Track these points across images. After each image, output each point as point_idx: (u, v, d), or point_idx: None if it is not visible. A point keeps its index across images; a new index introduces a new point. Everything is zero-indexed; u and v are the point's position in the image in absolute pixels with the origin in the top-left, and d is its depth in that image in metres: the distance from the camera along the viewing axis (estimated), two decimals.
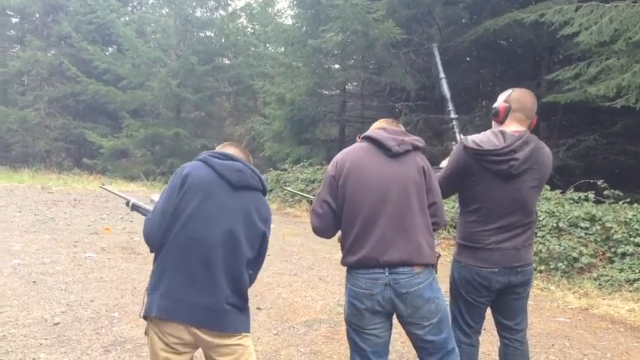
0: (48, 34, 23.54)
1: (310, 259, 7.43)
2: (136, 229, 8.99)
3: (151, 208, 2.51)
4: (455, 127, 3.07)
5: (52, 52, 23.62)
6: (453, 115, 3.11)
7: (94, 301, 5.02)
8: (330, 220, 2.61)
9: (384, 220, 2.46)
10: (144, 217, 2.48)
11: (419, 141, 2.62)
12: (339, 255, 2.64)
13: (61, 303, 4.92)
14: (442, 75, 3.24)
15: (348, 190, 2.51)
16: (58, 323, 4.39)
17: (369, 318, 2.49)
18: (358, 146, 2.66)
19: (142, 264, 6.61)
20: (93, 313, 4.71)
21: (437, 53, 3.45)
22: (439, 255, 2.65)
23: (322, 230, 2.66)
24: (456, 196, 2.95)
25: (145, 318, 2.29)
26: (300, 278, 6.32)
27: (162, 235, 2.25)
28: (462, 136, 2.80)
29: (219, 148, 2.56)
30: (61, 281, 5.64)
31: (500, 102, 2.79)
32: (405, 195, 2.48)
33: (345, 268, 2.62)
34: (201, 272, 2.21)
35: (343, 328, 2.72)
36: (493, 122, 2.87)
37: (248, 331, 2.37)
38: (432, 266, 2.54)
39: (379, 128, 2.69)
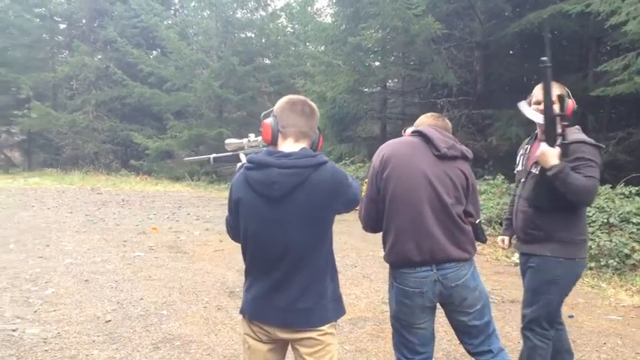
0: (94, 39, 24.15)
1: (354, 256, 7.42)
2: (182, 229, 9.17)
3: (229, 153, 2.59)
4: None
5: (99, 56, 24.21)
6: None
7: (143, 299, 5.15)
8: (374, 213, 2.63)
9: (426, 218, 2.47)
10: (228, 163, 2.59)
11: (468, 152, 2.63)
12: (383, 253, 2.65)
13: (112, 301, 5.06)
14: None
15: (392, 185, 2.52)
16: (110, 321, 4.52)
17: (418, 314, 2.54)
18: (406, 140, 2.66)
19: (189, 263, 6.74)
20: (142, 310, 4.83)
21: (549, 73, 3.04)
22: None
23: (368, 222, 2.69)
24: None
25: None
26: (344, 276, 6.32)
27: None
28: (589, 139, 2.79)
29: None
30: (111, 280, 5.80)
31: (570, 103, 2.88)
32: (448, 195, 2.49)
33: (389, 265, 2.63)
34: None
35: (388, 326, 2.72)
36: (560, 120, 2.78)
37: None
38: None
39: (430, 125, 2.69)
